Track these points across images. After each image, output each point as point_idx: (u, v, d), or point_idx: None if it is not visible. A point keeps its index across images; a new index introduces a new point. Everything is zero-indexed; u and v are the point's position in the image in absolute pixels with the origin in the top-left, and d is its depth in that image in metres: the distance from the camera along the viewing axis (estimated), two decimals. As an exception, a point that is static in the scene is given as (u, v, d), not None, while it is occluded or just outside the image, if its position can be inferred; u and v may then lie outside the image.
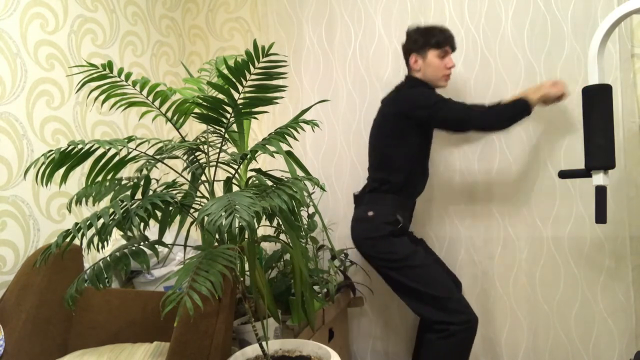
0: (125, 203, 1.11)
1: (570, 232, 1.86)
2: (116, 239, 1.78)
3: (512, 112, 1.59)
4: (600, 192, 1.35)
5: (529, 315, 1.92)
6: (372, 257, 1.74)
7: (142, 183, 1.20)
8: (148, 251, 1.76)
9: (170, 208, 1.22)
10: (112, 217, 1.07)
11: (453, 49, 1.77)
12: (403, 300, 1.71)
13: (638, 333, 1.77)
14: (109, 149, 1.05)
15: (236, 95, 1.12)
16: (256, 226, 1.21)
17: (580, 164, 1.83)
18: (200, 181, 1.34)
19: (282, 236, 1.66)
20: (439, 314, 1.61)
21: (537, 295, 1.91)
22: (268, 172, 1.30)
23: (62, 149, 1.05)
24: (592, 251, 1.83)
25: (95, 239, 1.11)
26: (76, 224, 1.02)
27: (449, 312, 1.60)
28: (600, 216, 1.35)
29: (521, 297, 1.93)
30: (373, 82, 2.13)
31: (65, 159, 1.07)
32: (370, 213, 1.73)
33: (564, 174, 1.46)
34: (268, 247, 2.26)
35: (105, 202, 1.89)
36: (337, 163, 2.22)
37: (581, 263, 1.85)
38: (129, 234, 1.19)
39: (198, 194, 1.33)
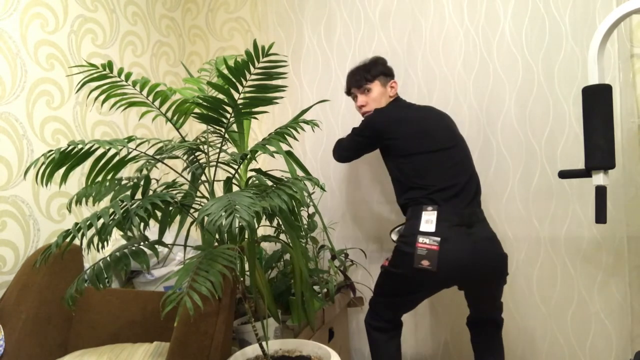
0: (125, 203, 1.11)
1: (567, 232, 1.86)
2: (116, 239, 1.78)
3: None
4: (600, 192, 1.35)
5: (526, 316, 1.93)
6: (504, 276, 1.59)
7: (142, 183, 1.20)
8: (148, 251, 1.76)
9: (170, 208, 1.22)
10: (112, 217, 1.07)
11: (358, 87, 1.80)
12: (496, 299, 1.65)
13: (635, 333, 1.78)
14: (109, 149, 1.05)
15: (236, 95, 1.12)
16: (256, 226, 1.22)
17: (576, 164, 1.84)
18: (200, 181, 1.34)
19: (282, 236, 1.66)
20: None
21: (534, 295, 1.91)
22: (268, 172, 1.30)
23: (62, 149, 1.05)
24: (589, 251, 1.83)
25: (95, 239, 1.11)
26: (76, 224, 1.02)
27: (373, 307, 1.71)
28: (600, 216, 1.35)
29: (518, 298, 1.93)
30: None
31: (65, 159, 1.07)
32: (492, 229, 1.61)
33: (563, 174, 1.46)
34: (268, 247, 2.26)
35: (105, 202, 1.89)
36: (336, 163, 2.23)
37: (578, 263, 1.85)
38: (129, 234, 1.19)
39: (198, 194, 1.33)
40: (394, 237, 1.67)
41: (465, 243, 1.48)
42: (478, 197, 1.61)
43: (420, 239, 1.49)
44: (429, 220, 1.52)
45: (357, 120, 2.17)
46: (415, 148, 1.61)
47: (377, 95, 1.77)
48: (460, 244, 1.48)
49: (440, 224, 1.50)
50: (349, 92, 1.86)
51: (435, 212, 1.52)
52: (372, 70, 1.77)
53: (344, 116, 2.20)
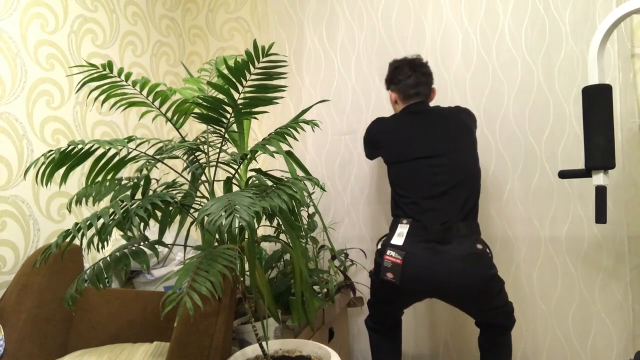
0: (125, 203, 1.11)
1: (567, 232, 1.86)
2: (116, 239, 1.78)
3: None
4: (600, 192, 1.35)
5: (526, 315, 1.93)
6: (483, 298, 1.50)
7: (142, 183, 1.20)
8: (148, 251, 1.76)
9: (170, 208, 1.22)
10: (112, 217, 1.07)
11: None
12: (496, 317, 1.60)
13: (636, 333, 1.78)
14: (109, 149, 1.05)
15: (236, 95, 1.12)
16: (256, 226, 1.22)
17: (576, 164, 1.84)
18: (200, 181, 1.34)
19: (282, 236, 1.66)
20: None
21: (534, 295, 1.91)
22: (268, 172, 1.30)
23: (62, 149, 1.05)
24: (590, 251, 1.83)
25: (95, 239, 1.11)
26: (76, 224, 1.02)
27: (370, 308, 1.75)
28: (601, 216, 1.35)
29: (519, 297, 1.93)
30: (376, 82, 2.13)
31: (65, 159, 1.07)
32: (480, 246, 1.49)
33: (563, 174, 1.46)
34: (268, 247, 2.26)
35: (105, 202, 1.89)
36: (340, 163, 2.22)
37: (579, 263, 1.85)
38: (129, 234, 1.19)
39: (198, 194, 1.33)
40: (379, 246, 1.68)
41: (430, 260, 1.45)
42: (466, 210, 1.52)
43: (389, 252, 1.51)
44: (401, 233, 1.52)
45: (360, 119, 2.17)
46: (394, 157, 1.62)
47: (391, 103, 1.80)
48: (423, 260, 1.45)
49: (409, 238, 1.50)
50: None
51: (408, 226, 1.52)
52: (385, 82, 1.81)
53: (348, 116, 2.19)
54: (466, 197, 1.53)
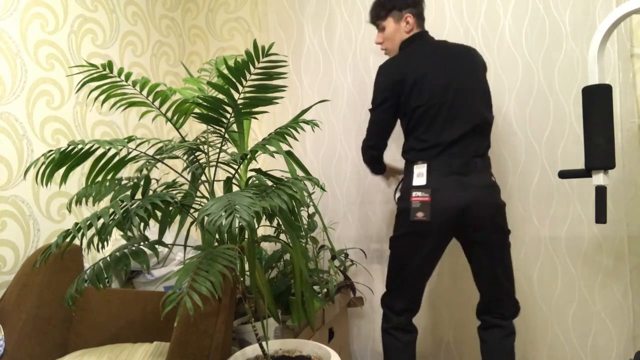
0: (125, 203, 1.11)
1: (567, 232, 1.86)
2: (116, 239, 1.78)
3: (370, 167, 1.78)
4: (600, 192, 1.35)
5: (526, 315, 1.93)
6: (502, 228, 1.56)
7: (142, 183, 1.20)
8: (148, 251, 1.76)
9: (170, 208, 1.22)
10: (112, 217, 1.07)
11: (374, 24, 1.76)
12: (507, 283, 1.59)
13: (636, 333, 1.78)
14: (109, 149, 1.05)
15: (236, 95, 1.12)
16: (256, 226, 1.22)
17: (577, 164, 1.84)
18: (200, 181, 1.34)
19: (282, 236, 1.66)
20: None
21: (534, 295, 1.91)
22: (268, 172, 1.30)
23: (62, 149, 1.05)
24: (590, 251, 1.83)
25: (95, 239, 1.11)
26: (76, 224, 1.02)
27: (384, 301, 1.69)
28: (601, 216, 1.35)
29: (519, 297, 1.93)
30: (372, 82, 2.13)
31: (65, 159, 1.07)
32: (494, 179, 1.58)
33: (563, 174, 1.46)
34: (268, 247, 2.26)
35: (105, 202, 1.89)
36: (337, 163, 2.23)
37: (579, 263, 1.85)
38: (129, 234, 1.19)
39: (198, 194, 1.33)
40: (398, 195, 1.68)
41: (456, 190, 1.50)
42: (482, 147, 1.56)
43: (414, 193, 1.53)
44: (420, 173, 1.55)
45: (358, 119, 2.17)
46: (412, 103, 1.57)
47: (390, 34, 1.70)
48: (450, 192, 1.50)
49: (430, 175, 1.52)
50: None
51: (425, 165, 1.54)
52: (387, 5, 1.68)
53: (345, 116, 2.20)
54: (481, 138, 1.57)
